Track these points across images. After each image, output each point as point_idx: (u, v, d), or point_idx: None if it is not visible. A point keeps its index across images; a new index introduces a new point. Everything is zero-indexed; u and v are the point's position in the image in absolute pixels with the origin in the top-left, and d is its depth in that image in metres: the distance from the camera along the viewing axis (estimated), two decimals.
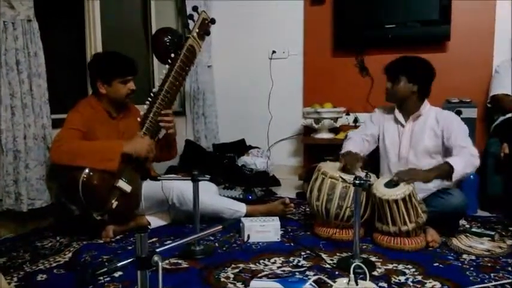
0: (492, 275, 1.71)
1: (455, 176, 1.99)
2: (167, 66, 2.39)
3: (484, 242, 2.02)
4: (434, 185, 2.17)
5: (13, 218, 2.32)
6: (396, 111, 2.33)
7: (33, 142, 2.27)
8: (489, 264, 1.82)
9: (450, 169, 1.98)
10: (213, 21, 2.54)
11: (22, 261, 1.93)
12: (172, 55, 2.39)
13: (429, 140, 2.22)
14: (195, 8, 2.55)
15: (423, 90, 2.25)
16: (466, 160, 2.03)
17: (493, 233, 2.11)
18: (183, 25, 3.85)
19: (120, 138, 2.30)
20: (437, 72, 2.29)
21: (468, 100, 2.92)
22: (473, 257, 1.90)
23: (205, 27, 2.51)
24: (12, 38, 2.19)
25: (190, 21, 2.61)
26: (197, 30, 2.46)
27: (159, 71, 3.57)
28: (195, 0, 3.56)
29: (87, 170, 2.04)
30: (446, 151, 2.18)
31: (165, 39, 2.99)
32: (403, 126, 2.30)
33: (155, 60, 3.55)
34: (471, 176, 2.60)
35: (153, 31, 3.53)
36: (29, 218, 2.36)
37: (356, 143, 2.33)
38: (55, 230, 2.36)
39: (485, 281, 1.66)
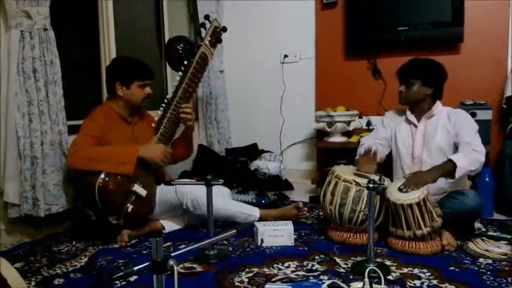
0: (510, 279, 1.69)
1: (458, 172, 1.98)
2: (180, 73, 2.42)
3: (501, 245, 1.99)
4: (448, 185, 2.16)
5: (30, 223, 2.37)
6: (408, 112, 2.33)
7: (49, 148, 2.32)
8: (506, 269, 1.79)
9: (453, 166, 1.98)
10: (224, 29, 2.57)
11: (39, 265, 1.96)
12: (185, 62, 2.42)
13: (442, 137, 2.21)
14: (207, 17, 2.59)
15: (437, 92, 2.25)
16: (469, 156, 2.02)
17: (510, 236, 2.08)
18: (195, 32, 3.89)
19: (135, 143, 2.33)
20: (451, 74, 2.28)
21: (483, 102, 2.89)
22: (490, 261, 1.87)
23: (217, 35, 2.55)
24: (29, 46, 2.24)
25: (202, 29, 2.64)
26: (209, 38, 2.49)
27: (172, 77, 3.61)
28: (207, 2, 3.58)
29: (103, 175, 2.07)
30: (457, 148, 2.17)
31: (178, 47, 3.02)
32: (415, 126, 2.30)
33: (168, 67, 3.59)
34: (486, 179, 2.58)
35: (166, 38, 3.57)
36: (45, 223, 2.40)
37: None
38: (71, 235, 2.40)
39: (503, 285, 1.64)
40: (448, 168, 2.01)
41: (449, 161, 2.01)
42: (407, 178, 2.06)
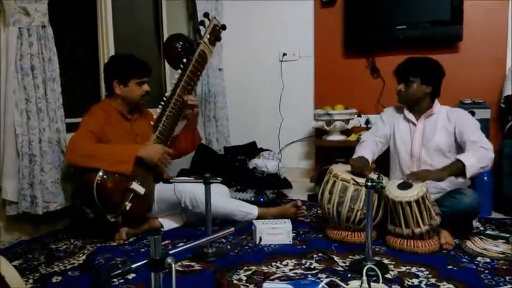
0: (507, 277, 1.69)
1: (469, 171, 1.97)
2: (179, 71, 2.41)
3: (499, 244, 1.99)
4: (448, 184, 2.16)
5: (29, 221, 2.36)
6: (406, 111, 2.32)
7: (48, 146, 2.31)
8: (504, 267, 1.80)
9: (462, 166, 1.97)
10: (223, 27, 2.57)
11: (37, 263, 1.96)
12: (184, 60, 2.41)
13: (441, 137, 2.21)
14: (206, 15, 2.58)
15: (435, 90, 2.25)
16: (478, 155, 2.01)
17: (508, 235, 2.08)
18: (194, 30, 3.88)
19: (134, 140, 2.33)
20: (449, 73, 2.28)
21: (481, 101, 2.89)
22: (487, 260, 1.88)
23: (216, 33, 2.54)
24: (28, 43, 2.23)
25: (201, 27, 2.64)
26: (208, 36, 2.49)
27: (171, 75, 3.60)
28: (206, 1, 3.58)
29: (101, 173, 2.07)
30: (459, 148, 2.17)
31: (177, 45, 3.01)
32: (414, 124, 2.29)
33: (167, 65, 3.58)
34: (485, 178, 2.59)
35: (165, 36, 3.57)
36: (44, 220, 2.40)
37: (369, 147, 2.34)
38: (69, 233, 2.39)
39: (500, 284, 1.64)
40: (456, 168, 2.00)
41: (458, 161, 2.01)
42: (414, 175, 2.05)
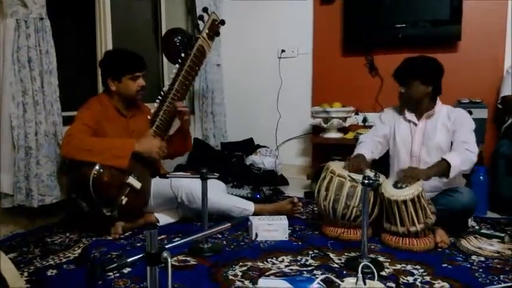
0: (501, 276, 1.70)
1: (452, 172, 2.01)
2: (177, 65, 2.40)
3: (494, 243, 2.00)
4: (444, 183, 2.17)
5: (24, 214, 2.35)
6: (407, 112, 2.32)
7: (44, 139, 2.30)
8: (498, 266, 1.81)
9: (447, 166, 2.00)
10: (222, 22, 2.56)
11: (32, 256, 1.96)
12: (183, 55, 2.40)
13: (441, 136, 2.21)
14: (205, 9, 2.57)
15: (436, 89, 2.25)
16: (463, 157, 2.05)
17: (502, 234, 2.09)
18: (192, 25, 3.86)
19: (130, 136, 2.32)
20: (447, 73, 2.27)
21: (479, 100, 2.90)
22: (482, 259, 1.89)
23: (215, 28, 2.53)
24: (25, 35, 2.21)
25: (200, 22, 2.62)
26: (207, 31, 2.48)
27: (169, 69, 3.59)
28: None
29: (97, 167, 2.06)
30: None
31: (176, 39, 3.00)
32: (415, 124, 2.29)
33: (165, 59, 3.57)
34: (481, 177, 2.59)
35: (163, 31, 3.55)
36: (39, 213, 2.39)
37: (368, 147, 2.32)
38: (65, 226, 2.39)
39: (494, 282, 1.65)
40: (442, 167, 2.04)
41: (444, 160, 2.03)
42: (404, 173, 2.07)
